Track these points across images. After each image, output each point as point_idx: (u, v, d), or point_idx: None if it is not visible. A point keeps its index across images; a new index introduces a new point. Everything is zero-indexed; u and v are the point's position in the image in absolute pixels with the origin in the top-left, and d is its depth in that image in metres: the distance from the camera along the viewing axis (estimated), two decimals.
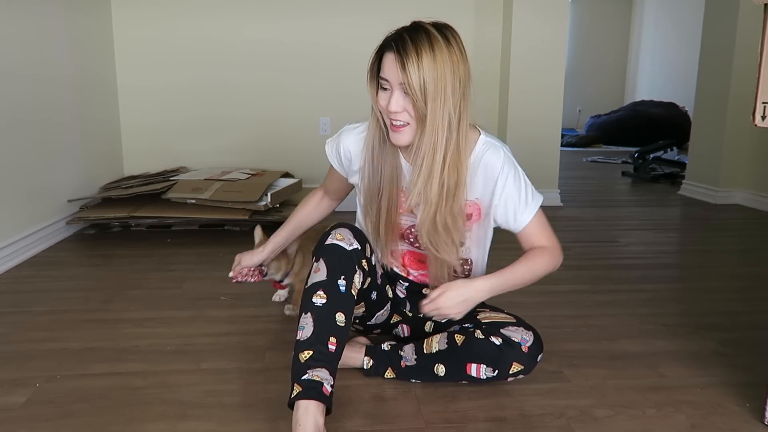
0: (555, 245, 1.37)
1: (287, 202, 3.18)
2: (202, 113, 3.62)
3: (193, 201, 2.83)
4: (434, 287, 1.31)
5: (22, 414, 1.29)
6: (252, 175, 3.23)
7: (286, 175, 3.44)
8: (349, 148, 1.40)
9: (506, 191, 1.31)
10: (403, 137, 1.24)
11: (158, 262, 2.45)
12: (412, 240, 1.42)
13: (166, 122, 3.61)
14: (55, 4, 2.78)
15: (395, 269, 1.50)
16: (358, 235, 1.31)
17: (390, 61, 1.19)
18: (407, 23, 1.24)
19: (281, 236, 1.63)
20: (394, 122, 1.23)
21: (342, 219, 1.46)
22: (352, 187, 1.52)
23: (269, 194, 2.92)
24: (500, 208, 1.33)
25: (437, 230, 1.28)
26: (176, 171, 3.37)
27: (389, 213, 1.34)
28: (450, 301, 1.25)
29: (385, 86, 1.22)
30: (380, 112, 1.27)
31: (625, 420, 1.28)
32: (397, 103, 1.20)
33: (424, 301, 1.27)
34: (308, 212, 1.62)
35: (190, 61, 3.56)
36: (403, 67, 1.15)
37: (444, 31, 1.20)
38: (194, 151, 3.65)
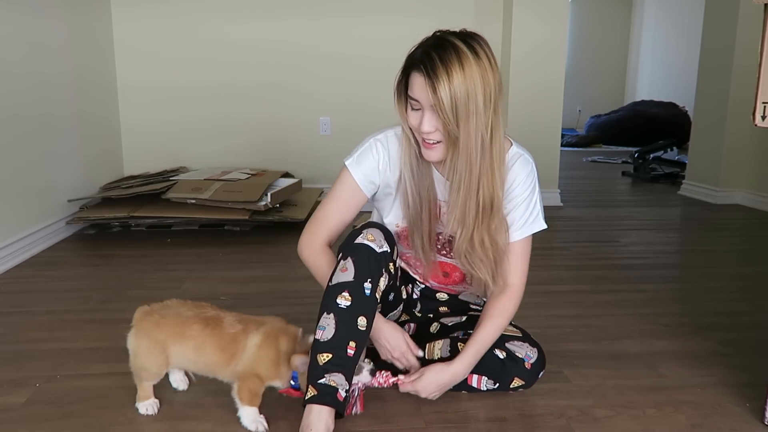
0: (522, 283, 1.34)
1: (287, 202, 3.18)
2: (202, 113, 3.62)
3: (193, 201, 2.83)
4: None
5: (22, 414, 1.29)
6: (252, 175, 3.23)
7: (286, 175, 3.44)
8: (389, 151, 1.32)
9: (516, 202, 1.30)
10: (435, 153, 1.22)
11: (158, 262, 2.45)
12: (439, 247, 1.39)
13: (166, 122, 3.61)
14: (55, 3, 2.78)
15: (416, 278, 1.48)
16: (388, 236, 1.29)
17: (419, 83, 1.15)
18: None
19: None
20: (427, 140, 1.21)
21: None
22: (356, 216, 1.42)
23: (269, 194, 2.91)
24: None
25: (474, 248, 1.26)
26: (176, 171, 3.37)
27: (430, 225, 1.32)
28: (428, 386, 1.27)
29: (415, 106, 1.19)
30: (411, 129, 1.24)
31: (625, 420, 1.29)
32: (429, 124, 1.17)
33: (404, 379, 1.28)
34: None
35: (191, 61, 3.56)
36: (434, 90, 1.11)
37: (471, 42, 1.15)
38: (194, 151, 3.65)
